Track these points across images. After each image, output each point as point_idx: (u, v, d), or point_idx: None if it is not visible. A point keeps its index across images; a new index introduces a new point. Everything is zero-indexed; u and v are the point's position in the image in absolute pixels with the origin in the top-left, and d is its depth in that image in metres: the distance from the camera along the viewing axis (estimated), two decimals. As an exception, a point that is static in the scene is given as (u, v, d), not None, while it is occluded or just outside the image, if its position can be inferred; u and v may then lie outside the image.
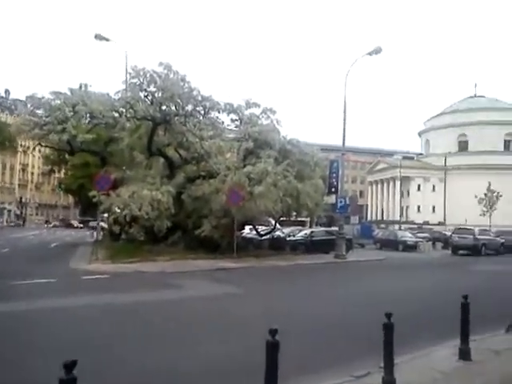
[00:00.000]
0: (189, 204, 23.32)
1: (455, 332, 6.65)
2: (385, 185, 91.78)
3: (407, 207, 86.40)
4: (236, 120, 26.27)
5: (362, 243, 38.84)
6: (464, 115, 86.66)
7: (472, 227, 36.39)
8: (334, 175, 26.91)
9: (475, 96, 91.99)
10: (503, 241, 35.71)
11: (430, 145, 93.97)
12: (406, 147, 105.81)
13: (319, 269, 21.17)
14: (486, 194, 57.05)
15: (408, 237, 38.41)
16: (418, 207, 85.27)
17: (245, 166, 22.79)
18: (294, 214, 28.04)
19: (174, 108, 24.46)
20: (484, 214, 54.43)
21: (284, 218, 31.08)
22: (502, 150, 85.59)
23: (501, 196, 56.64)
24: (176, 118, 24.56)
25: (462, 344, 6.60)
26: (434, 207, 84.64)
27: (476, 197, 58.47)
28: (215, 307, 10.66)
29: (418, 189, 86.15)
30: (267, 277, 17.58)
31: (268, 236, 28.35)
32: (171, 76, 24.11)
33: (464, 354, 6.53)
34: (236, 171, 22.26)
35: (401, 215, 78.53)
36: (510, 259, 29.89)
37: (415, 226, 62.57)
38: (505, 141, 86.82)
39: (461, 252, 33.55)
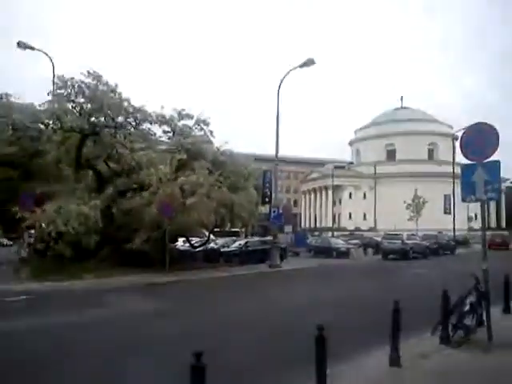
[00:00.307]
0: (119, 218, 22.51)
1: (388, 338, 6.66)
2: (318, 193, 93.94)
3: (339, 214, 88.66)
4: (168, 132, 25.77)
5: (296, 251, 39.16)
6: (390, 126, 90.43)
7: (400, 232, 37.73)
8: (268, 185, 27.04)
9: (401, 107, 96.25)
10: (428, 244, 37.34)
11: (360, 154, 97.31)
12: (339, 156, 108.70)
13: (253, 279, 21.06)
14: (413, 200, 59.52)
15: (341, 244, 38.98)
16: (350, 214, 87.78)
17: (177, 178, 22.35)
18: (229, 224, 27.78)
19: (103, 119, 23.53)
20: (411, 219, 56.63)
21: (218, 229, 30.85)
22: (426, 158, 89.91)
23: (426, 202, 59.33)
24: (106, 129, 23.66)
25: (392, 351, 6.64)
26: (364, 214, 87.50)
27: (404, 203, 60.80)
28: (141, 325, 10.23)
29: (350, 197, 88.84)
30: (200, 290, 17.25)
31: (202, 248, 27.98)
32: (100, 86, 23.23)
33: (394, 361, 6.57)
34: (168, 183, 21.76)
35: (333, 222, 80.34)
36: (433, 262, 31.14)
37: (347, 233, 64.11)
38: (428, 150, 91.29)
39: (390, 256, 34.62)
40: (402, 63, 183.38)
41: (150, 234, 21.85)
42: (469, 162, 8.62)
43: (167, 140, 25.91)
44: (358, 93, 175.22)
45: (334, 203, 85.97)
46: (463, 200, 8.75)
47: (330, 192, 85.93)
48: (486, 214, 11.06)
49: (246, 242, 30.19)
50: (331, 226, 77.46)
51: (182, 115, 25.56)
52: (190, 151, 23.99)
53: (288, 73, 26.26)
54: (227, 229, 35.71)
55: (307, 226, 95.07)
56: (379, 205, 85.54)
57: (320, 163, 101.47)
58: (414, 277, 21.10)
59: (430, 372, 6.44)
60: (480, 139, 8.28)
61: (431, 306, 8.00)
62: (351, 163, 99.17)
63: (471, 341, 7.81)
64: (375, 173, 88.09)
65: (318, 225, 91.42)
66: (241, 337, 8.98)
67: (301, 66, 25.41)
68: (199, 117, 25.73)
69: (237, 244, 30.38)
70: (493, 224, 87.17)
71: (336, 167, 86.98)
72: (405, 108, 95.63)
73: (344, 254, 36.20)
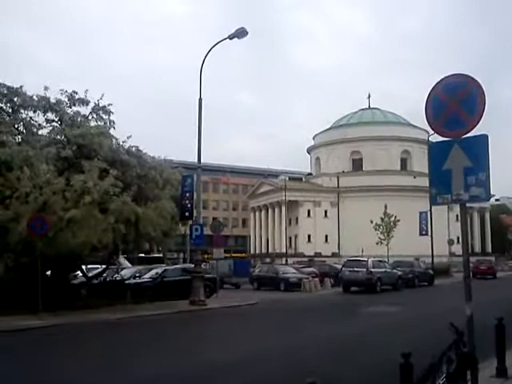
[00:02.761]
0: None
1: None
2: (269, 211, 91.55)
3: (296, 237, 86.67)
4: (53, 120, 23.10)
5: (236, 283, 37.51)
6: (356, 129, 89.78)
7: (365, 258, 35.84)
8: (188, 195, 24.23)
9: (368, 108, 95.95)
10: (400, 273, 35.48)
11: (320, 164, 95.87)
12: (296, 167, 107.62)
13: (161, 323, 18.44)
14: (382, 219, 57.23)
15: (291, 273, 37.25)
16: (309, 236, 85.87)
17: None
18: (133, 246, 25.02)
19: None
20: (381, 242, 54.56)
21: (142, 255, 28.61)
22: (399, 169, 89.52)
23: (398, 221, 56.93)
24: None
25: None
26: (326, 236, 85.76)
27: (372, 222, 58.74)
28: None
29: (308, 215, 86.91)
30: (79, 339, 14.73)
31: (99, 280, 25.19)
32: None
33: None
34: (44, 188, 18.89)
35: (288, 247, 78.25)
36: (406, 297, 29.22)
37: (306, 260, 62.31)
38: (401, 159, 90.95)
39: (353, 289, 32.76)
40: (371, 56, 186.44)
41: (17, 259, 19.04)
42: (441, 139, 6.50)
43: (49, 131, 23.08)
44: (321, 90, 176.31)
45: (289, 223, 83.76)
46: (433, 202, 6.58)
47: (283, 209, 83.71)
48: (469, 235, 8.87)
49: (164, 271, 27.53)
50: (285, 251, 75.45)
51: (73, 100, 23.02)
52: (82, 147, 21.20)
53: (214, 46, 24.16)
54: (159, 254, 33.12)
55: (258, 251, 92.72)
56: (343, 225, 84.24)
57: (273, 174, 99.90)
58: (376, 321, 18.36)
59: None
60: (457, 101, 6.18)
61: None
62: (310, 174, 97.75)
63: None
64: (338, 186, 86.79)
65: (270, 249, 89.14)
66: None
67: (230, 38, 23.38)
68: (97, 102, 23.16)
69: (152, 273, 27.73)
70: (477, 248, 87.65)
71: (291, 179, 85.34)
72: (374, 109, 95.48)
73: (295, 285, 34.51)
